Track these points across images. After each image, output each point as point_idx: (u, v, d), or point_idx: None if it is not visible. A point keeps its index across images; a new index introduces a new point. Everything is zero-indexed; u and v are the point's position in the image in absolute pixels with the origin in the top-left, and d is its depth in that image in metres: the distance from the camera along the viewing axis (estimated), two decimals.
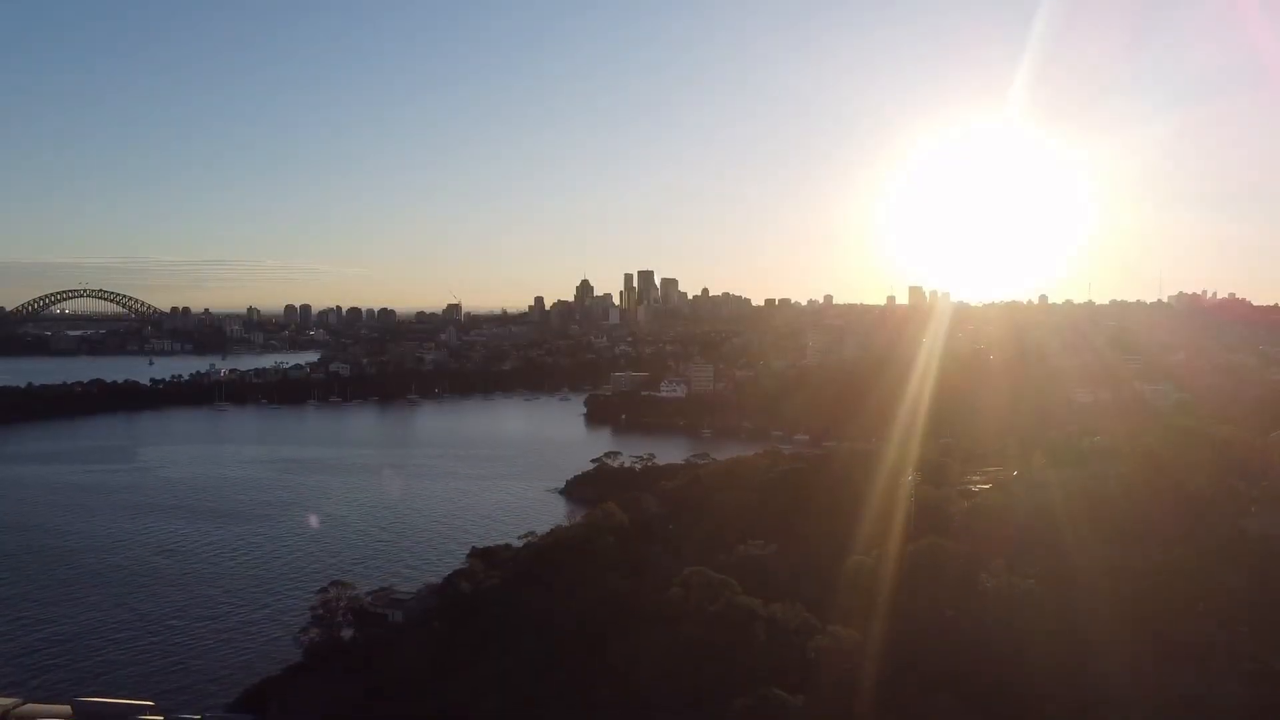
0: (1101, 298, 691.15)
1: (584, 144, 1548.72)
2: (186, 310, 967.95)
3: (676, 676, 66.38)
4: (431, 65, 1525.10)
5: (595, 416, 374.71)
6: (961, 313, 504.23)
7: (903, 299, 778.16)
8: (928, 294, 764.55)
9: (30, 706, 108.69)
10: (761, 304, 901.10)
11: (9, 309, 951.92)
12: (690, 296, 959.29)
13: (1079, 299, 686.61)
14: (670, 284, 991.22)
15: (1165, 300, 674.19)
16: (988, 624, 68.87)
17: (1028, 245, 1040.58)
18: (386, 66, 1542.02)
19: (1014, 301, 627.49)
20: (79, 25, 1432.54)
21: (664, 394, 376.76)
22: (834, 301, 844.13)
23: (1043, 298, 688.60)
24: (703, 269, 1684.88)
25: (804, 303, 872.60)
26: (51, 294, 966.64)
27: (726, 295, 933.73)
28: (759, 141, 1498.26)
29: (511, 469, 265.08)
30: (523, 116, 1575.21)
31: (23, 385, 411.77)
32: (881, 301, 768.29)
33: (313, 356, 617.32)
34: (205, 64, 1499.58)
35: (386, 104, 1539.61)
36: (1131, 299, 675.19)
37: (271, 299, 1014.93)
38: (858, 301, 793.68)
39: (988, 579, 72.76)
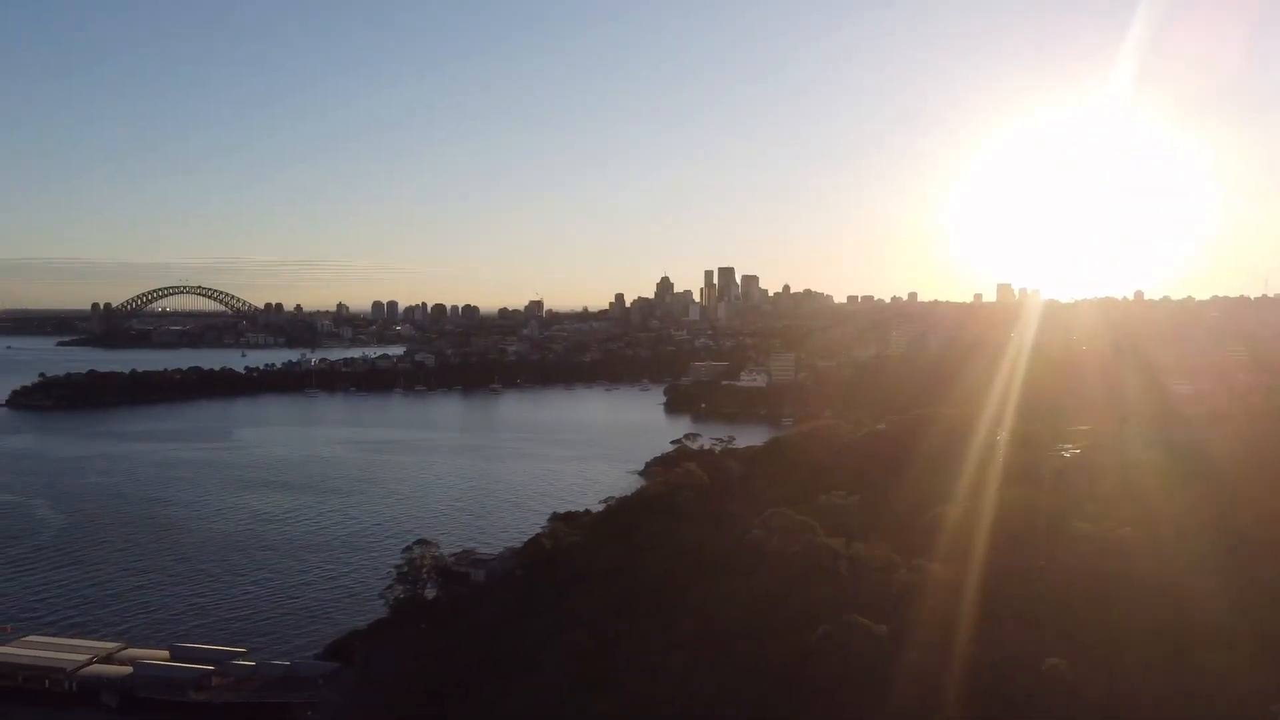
0: (1202, 293, 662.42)
1: (666, 143, 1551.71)
2: (280, 307, 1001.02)
3: (758, 612, 65.97)
4: (520, 71, 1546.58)
5: (675, 405, 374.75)
6: (1052, 309, 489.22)
7: (990, 297, 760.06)
8: (1016, 291, 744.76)
9: (132, 651, 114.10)
10: (844, 301, 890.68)
11: (116, 304, 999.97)
12: (771, 294, 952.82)
13: (1177, 295, 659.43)
14: (751, 281, 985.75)
15: (1272, 296, 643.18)
16: (1079, 569, 66.76)
17: (1122, 241, 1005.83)
18: (475, 73, 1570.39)
19: (1108, 298, 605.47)
20: (181, 39, 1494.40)
21: (744, 383, 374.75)
22: (918, 299, 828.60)
23: (1139, 294, 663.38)
24: (784, 266, 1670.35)
25: (887, 300, 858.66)
26: (155, 290, 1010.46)
27: (808, 292, 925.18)
28: (842, 136, 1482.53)
29: (591, 451, 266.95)
30: (607, 120, 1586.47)
31: (127, 372, 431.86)
32: (968, 299, 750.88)
33: (399, 350, 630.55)
34: (301, 75, 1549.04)
35: (476, 110, 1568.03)
36: (1234, 294, 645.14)
37: (360, 297, 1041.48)
38: (944, 299, 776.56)
39: (1079, 525, 70.53)
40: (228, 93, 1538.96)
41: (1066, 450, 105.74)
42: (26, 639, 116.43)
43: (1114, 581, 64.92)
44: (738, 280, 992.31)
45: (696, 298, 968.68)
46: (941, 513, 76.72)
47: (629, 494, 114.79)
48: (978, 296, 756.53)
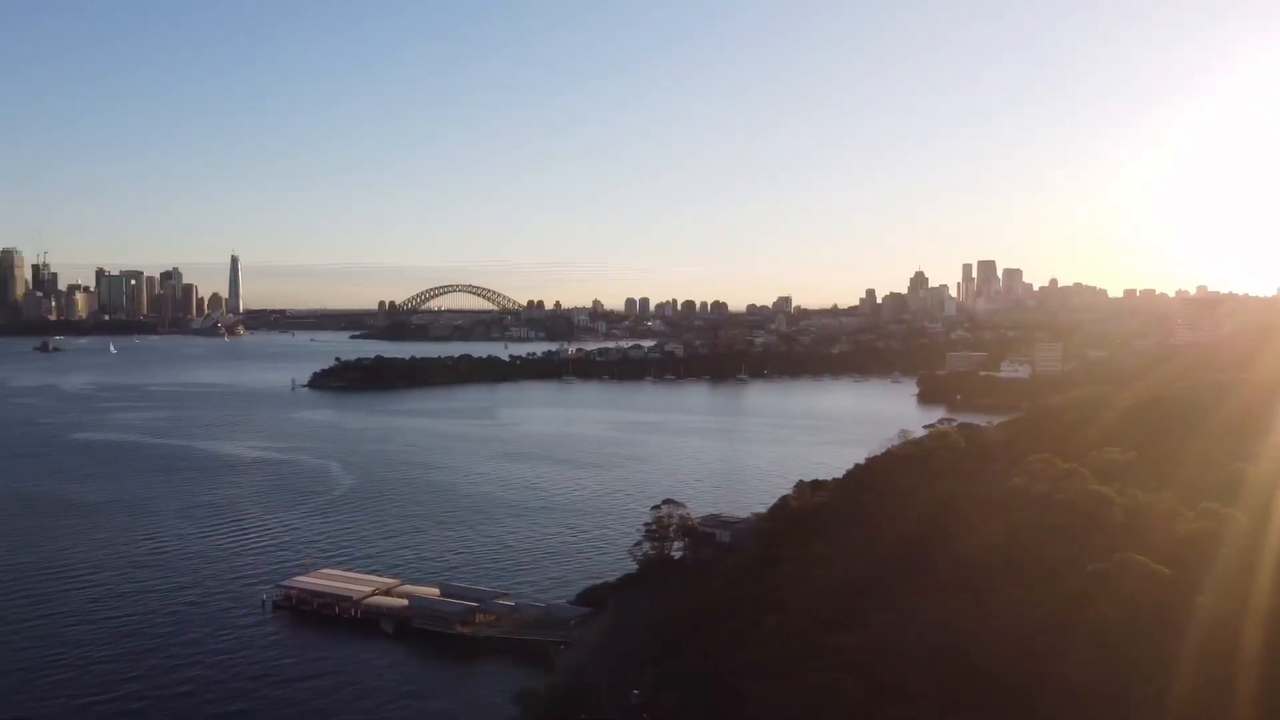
0: None
1: (918, 136, 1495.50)
2: (540, 304, 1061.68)
3: (1020, 556, 61.45)
4: (766, 71, 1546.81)
5: (928, 396, 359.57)
6: None
7: None
8: None
9: (407, 587, 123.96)
10: (1120, 295, 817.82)
11: (399, 302, 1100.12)
12: (1036, 288, 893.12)
13: None
14: (1013, 274, 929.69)
15: None
16: None
17: None
18: (722, 78, 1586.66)
19: None
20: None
21: (1004, 374, 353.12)
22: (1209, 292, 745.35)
23: None
24: (1051, 260, 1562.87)
25: (1171, 294, 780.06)
26: (431, 289, 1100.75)
27: (1078, 286, 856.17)
28: (1119, 126, 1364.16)
29: (839, 437, 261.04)
30: (859, 116, 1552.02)
31: (407, 358, 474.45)
32: (1271, 293, 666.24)
33: (650, 344, 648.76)
34: (562, 93, 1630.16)
35: (726, 115, 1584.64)
36: None
37: (614, 295, 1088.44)
38: (1241, 293, 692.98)
39: None
40: (502, 118, 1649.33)
41: None
42: (321, 571, 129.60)
43: None
44: (999, 274, 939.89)
45: (953, 293, 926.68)
46: (1241, 469, 68.18)
47: (879, 454, 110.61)
48: None
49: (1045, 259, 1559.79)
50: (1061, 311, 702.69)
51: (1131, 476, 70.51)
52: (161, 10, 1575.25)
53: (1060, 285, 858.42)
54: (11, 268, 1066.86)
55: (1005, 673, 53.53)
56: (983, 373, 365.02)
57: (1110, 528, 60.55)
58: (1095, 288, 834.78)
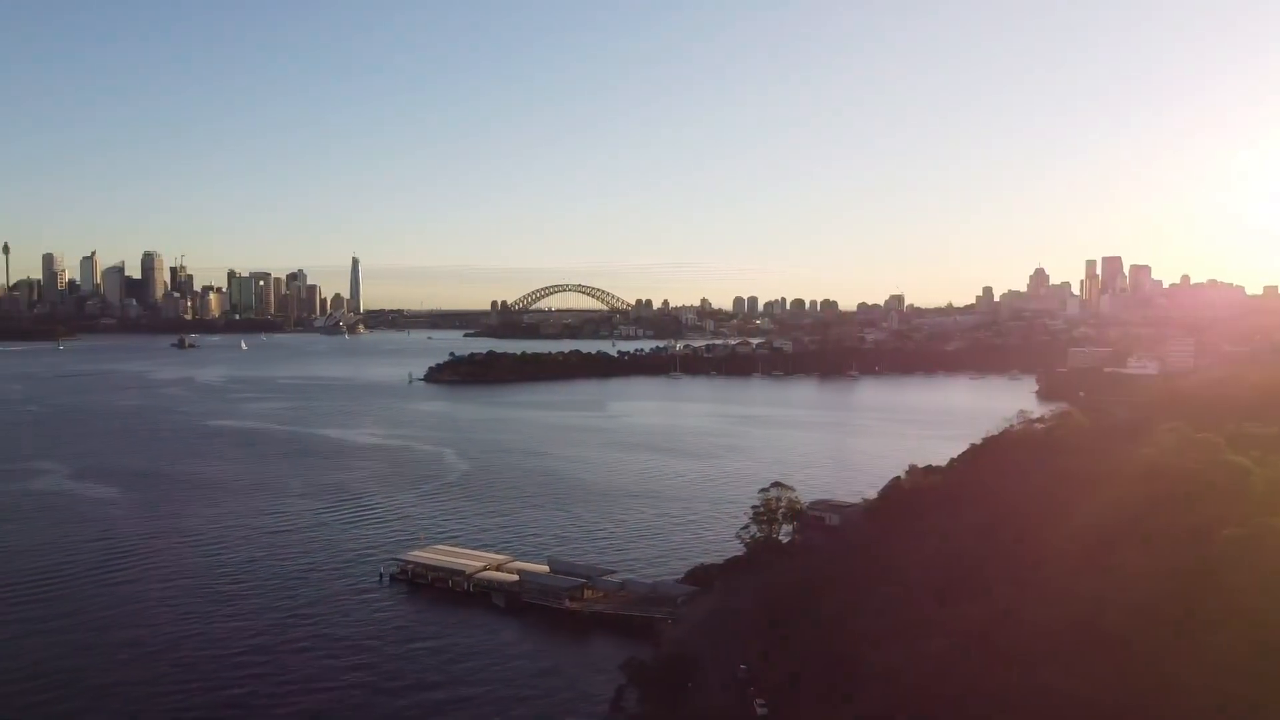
0: None
1: (1043, 133, 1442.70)
2: (649, 303, 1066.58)
3: (1153, 524, 58.42)
4: (870, 77, 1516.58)
5: (1049, 393, 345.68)
6: None
7: None
8: None
9: (518, 563, 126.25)
10: (1259, 292, 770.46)
11: (510, 302, 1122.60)
12: (1166, 285, 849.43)
13: None
14: (1141, 271, 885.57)
15: None
16: None
17: None
18: (833, 80, 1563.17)
19: None
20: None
21: (1131, 370, 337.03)
22: None
23: None
24: (1182, 256, 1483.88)
25: None
26: (542, 289, 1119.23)
27: (1213, 283, 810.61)
28: (1255, 120, 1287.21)
29: (954, 431, 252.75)
30: (976, 117, 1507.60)
31: (518, 353, 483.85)
32: None
33: (758, 340, 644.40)
34: (661, 97, 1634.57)
35: (833, 117, 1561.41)
36: None
37: (722, 295, 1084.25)
38: None
39: None
40: (616, 126, 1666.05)
41: None
42: (435, 547, 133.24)
43: None
44: (1125, 271, 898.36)
45: (1076, 290, 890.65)
46: None
47: (996, 433, 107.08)
48: None
49: (1176, 255, 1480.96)
50: (1195, 309, 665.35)
51: (1273, 449, 66.48)
52: (294, 21, 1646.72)
53: (1193, 282, 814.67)
54: (152, 270, 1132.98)
55: (1133, 640, 51.13)
56: (1108, 368, 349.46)
57: (1248, 497, 57.13)
58: (1232, 284, 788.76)
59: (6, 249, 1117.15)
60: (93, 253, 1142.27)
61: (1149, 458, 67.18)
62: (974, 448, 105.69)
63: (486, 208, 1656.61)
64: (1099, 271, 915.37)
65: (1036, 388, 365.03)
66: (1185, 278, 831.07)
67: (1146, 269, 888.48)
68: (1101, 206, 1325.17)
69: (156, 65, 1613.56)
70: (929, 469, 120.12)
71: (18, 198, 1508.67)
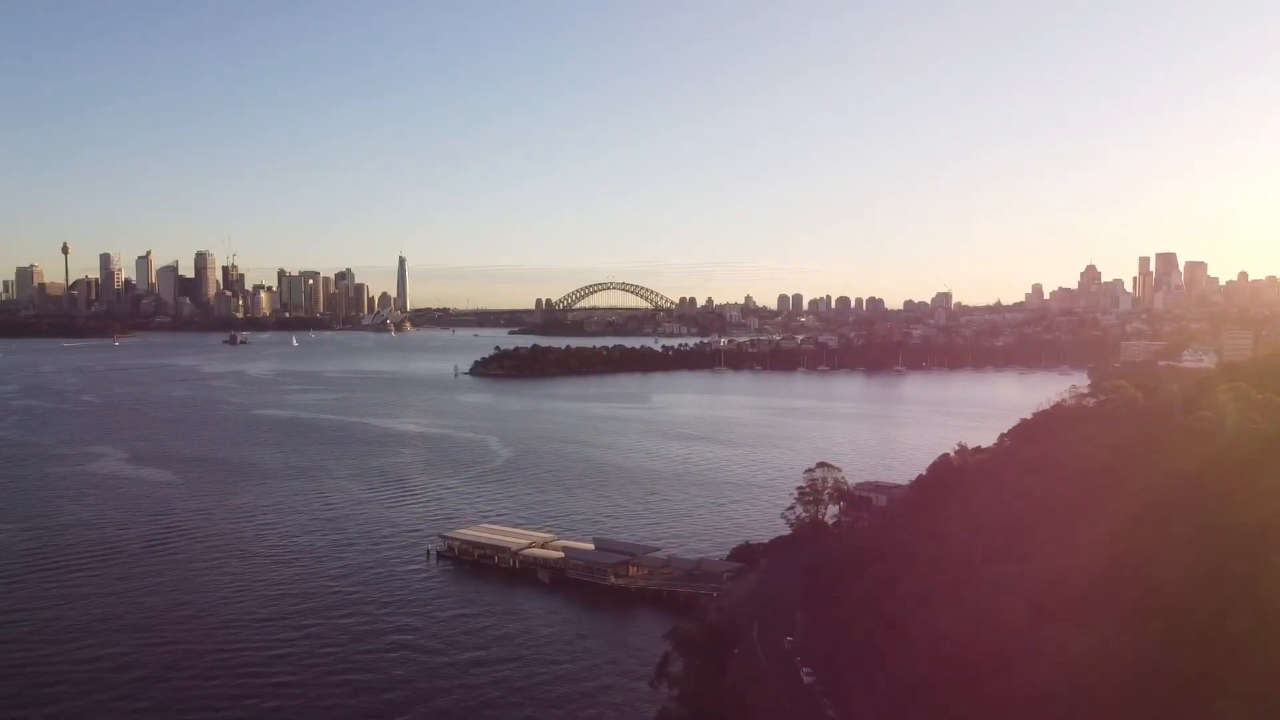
0: None
1: (1091, 130, 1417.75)
2: (693, 301, 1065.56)
3: (1211, 486, 57.22)
4: (915, 75, 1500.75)
5: (1100, 388, 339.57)
6: None
7: None
8: None
9: (562, 541, 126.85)
10: None
11: (554, 300, 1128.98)
12: (1223, 282, 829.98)
13: None
14: (1197, 267, 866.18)
15: None
16: None
17: None
18: (872, 76, 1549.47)
19: None
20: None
21: (1186, 364, 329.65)
22: None
23: None
24: (1240, 253, 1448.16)
25: None
26: (586, 287, 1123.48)
27: (1271, 279, 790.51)
28: None
29: (1002, 423, 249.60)
30: (1017, 114, 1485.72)
31: (562, 347, 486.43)
32: None
33: (803, 336, 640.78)
34: (710, 101, 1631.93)
35: (877, 116, 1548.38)
36: None
37: (766, 293, 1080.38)
38: None
39: None
40: (658, 127, 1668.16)
41: None
42: (480, 525, 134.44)
43: None
44: (1180, 268, 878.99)
45: (1128, 287, 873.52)
46: None
47: (1046, 408, 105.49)
48: None
49: (1233, 252, 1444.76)
50: (1252, 305, 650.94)
51: None
52: (348, 27, 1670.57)
53: (1251, 279, 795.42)
54: (205, 269, 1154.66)
55: (1188, 599, 50.10)
56: (1162, 362, 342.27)
57: None
58: None
59: (66, 249, 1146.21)
60: (148, 252, 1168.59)
61: (1209, 419, 65.80)
62: (1024, 422, 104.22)
63: (531, 208, 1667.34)
64: (1152, 268, 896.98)
65: (1089, 382, 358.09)
66: (1243, 274, 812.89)
67: (1202, 265, 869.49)
68: (1155, 203, 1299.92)
69: (213, 72, 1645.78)
70: (978, 449, 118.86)
71: (77, 199, 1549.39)
